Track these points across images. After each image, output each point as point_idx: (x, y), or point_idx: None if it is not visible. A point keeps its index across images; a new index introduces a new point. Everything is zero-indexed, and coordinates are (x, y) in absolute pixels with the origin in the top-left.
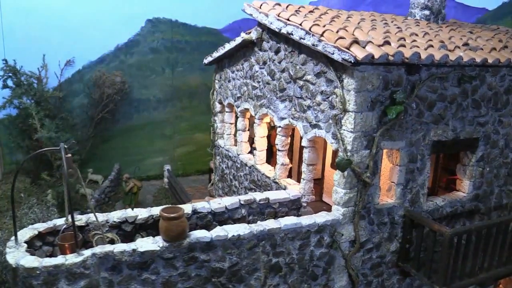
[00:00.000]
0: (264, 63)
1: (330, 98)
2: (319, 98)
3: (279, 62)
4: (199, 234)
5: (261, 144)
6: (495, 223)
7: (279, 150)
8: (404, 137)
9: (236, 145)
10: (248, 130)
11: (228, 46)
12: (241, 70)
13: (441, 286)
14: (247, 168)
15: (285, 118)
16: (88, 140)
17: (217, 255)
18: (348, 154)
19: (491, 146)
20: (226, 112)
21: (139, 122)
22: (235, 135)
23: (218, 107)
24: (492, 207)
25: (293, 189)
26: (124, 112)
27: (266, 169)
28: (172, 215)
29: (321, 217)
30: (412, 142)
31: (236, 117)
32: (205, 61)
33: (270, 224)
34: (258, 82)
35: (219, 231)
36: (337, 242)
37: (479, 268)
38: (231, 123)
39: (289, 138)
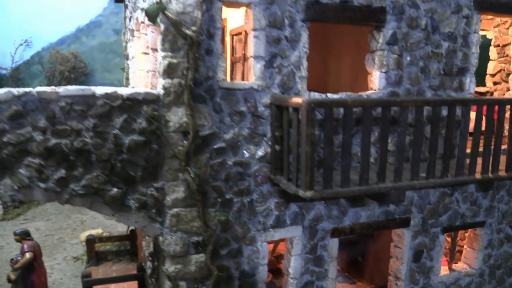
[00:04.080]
0: None
1: None
2: None
3: None
4: None
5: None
6: (396, 101)
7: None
8: None
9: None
10: None
11: None
12: None
13: (305, 189)
14: None
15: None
16: None
17: None
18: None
19: (408, 24)
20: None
21: None
22: None
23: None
24: (425, 116)
25: None
26: None
27: None
28: None
29: (129, 89)
30: None
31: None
32: None
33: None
34: None
35: None
36: (157, 127)
37: (378, 174)
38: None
39: None
